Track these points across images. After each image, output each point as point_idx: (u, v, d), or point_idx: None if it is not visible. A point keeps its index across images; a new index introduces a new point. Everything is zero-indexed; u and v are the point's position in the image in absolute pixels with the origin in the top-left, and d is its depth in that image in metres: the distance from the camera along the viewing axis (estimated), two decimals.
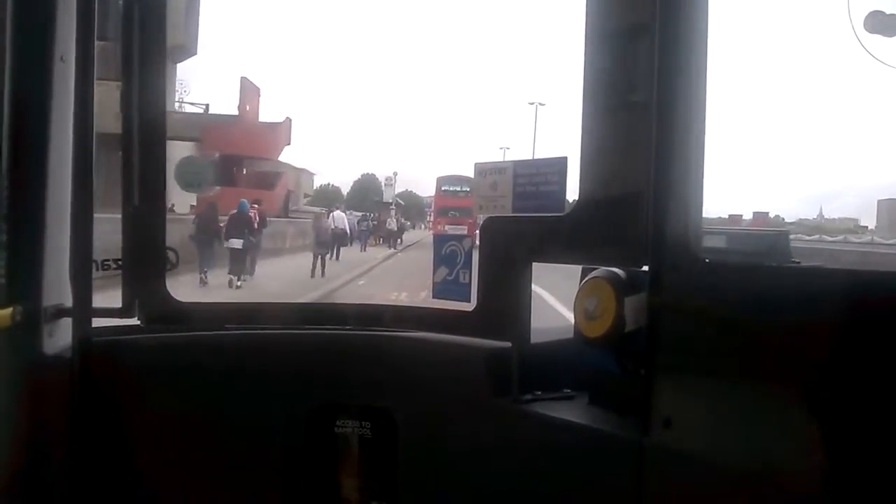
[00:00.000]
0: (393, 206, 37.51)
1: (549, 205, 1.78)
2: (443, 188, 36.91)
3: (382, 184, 40.96)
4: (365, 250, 27.11)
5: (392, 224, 33.35)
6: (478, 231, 1.89)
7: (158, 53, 2.01)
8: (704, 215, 1.51)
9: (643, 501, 1.47)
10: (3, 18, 1.83)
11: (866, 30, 1.63)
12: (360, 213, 33.96)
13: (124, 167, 2.02)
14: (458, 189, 36.13)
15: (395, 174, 41.62)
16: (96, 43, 1.93)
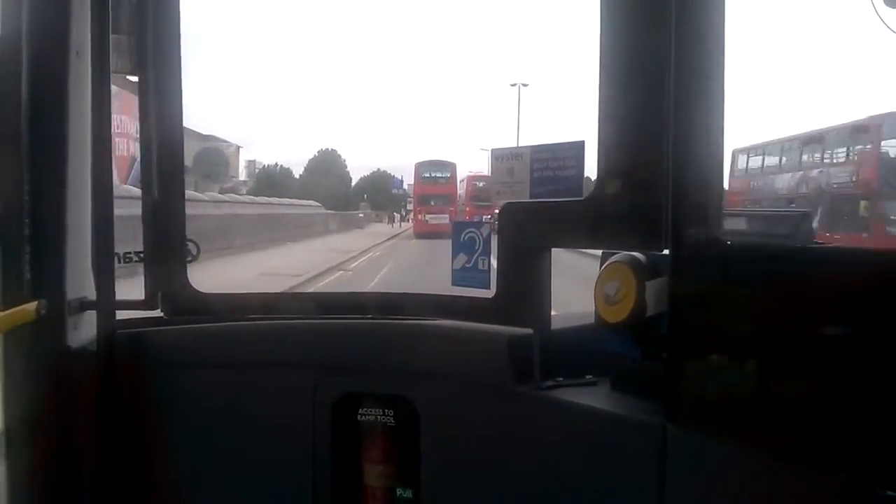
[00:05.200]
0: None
1: (568, 189, 1.76)
2: (423, 175, 36.10)
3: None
4: None
5: None
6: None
7: (173, 46, 2.02)
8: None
9: (667, 486, 1.47)
10: (19, 15, 1.82)
11: (886, 4, 1.64)
12: None
13: (143, 159, 2.04)
14: (439, 175, 35.39)
15: None
16: (111, 37, 1.94)
